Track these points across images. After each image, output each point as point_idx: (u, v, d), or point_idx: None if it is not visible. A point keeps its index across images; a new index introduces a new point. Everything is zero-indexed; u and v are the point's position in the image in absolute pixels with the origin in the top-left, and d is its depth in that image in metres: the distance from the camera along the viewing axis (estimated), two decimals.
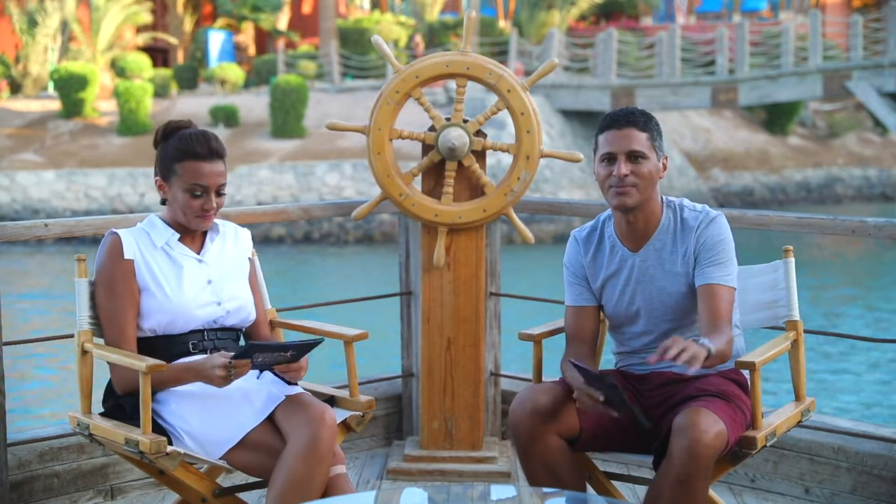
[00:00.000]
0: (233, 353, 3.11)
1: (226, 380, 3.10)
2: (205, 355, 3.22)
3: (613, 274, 3.33)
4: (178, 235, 3.36)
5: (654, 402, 3.28)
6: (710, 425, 2.97)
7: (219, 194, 3.32)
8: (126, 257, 3.29)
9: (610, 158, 3.24)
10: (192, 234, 3.41)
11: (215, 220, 3.47)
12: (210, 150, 3.28)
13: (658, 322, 3.29)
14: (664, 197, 3.33)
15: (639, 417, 3.05)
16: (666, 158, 3.30)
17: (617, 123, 3.24)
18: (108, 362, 3.27)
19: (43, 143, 26.25)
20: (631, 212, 3.26)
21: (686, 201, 3.33)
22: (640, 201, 3.24)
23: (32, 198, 23.74)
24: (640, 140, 3.22)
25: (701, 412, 3.00)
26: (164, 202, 3.37)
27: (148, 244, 3.34)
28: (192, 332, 3.33)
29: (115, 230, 3.34)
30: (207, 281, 3.36)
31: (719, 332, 3.13)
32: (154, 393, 3.20)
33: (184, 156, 3.27)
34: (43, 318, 15.55)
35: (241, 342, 3.49)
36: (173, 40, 35.69)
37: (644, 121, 3.25)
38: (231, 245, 3.48)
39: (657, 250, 3.28)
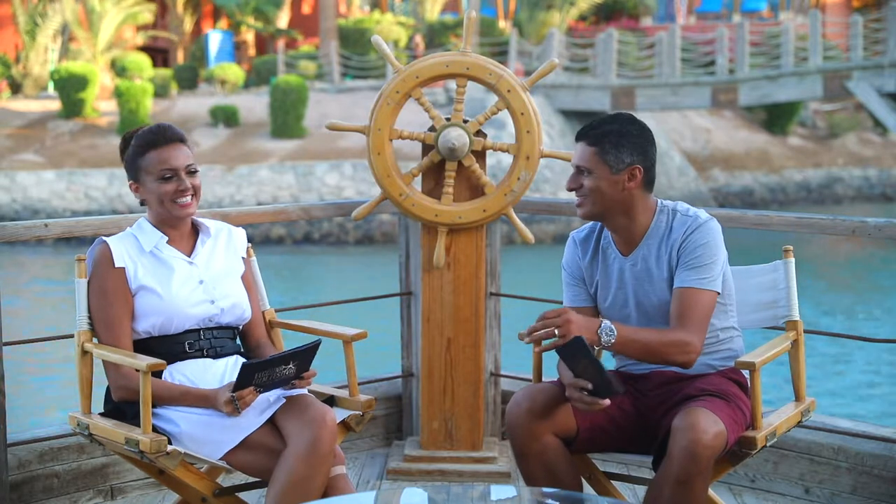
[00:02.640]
0: (234, 383, 3.12)
1: (234, 412, 3.13)
2: (212, 388, 3.21)
3: (607, 276, 3.34)
4: (166, 238, 3.37)
5: (653, 401, 3.28)
6: (709, 425, 2.97)
7: (190, 174, 3.34)
8: (117, 265, 3.30)
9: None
10: (181, 233, 3.41)
11: (207, 223, 3.47)
12: (166, 137, 3.34)
13: (649, 325, 3.28)
14: (660, 201, 3.32)
15: (613, 384, 3.02)
16: (637, 169, 3.21)
17: (577, 136, 3.29)
18: (105, 371, 3.27)
19: (43, 143, 26.25)
20: (603, 220, 3.30)
21: (681, 206, 3.31)
22: (594, 213, 3.27)
23: (32, 198, 23.74)
24: (583, 155, 3.25)
25: (700, 412, 3.00)
26: (142, 203, 3.39)
27: (137, 249, 3.34)
28: (188, 331, 3.33)
29: (104, 238, 3.35)
30: (199, 281, 3.36)
31: (667, 330, 3.15)
32: (154, 405, 3.20)
33: (144, 149, 3.33)
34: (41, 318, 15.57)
35: (238, 342, 3.49)
36: (174, 37, 35.69)
37: (597, 134, 3.23)
38: (223, 246, 3.48)
39: (645, 255, 3.28)
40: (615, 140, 3.23)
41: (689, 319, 3.14)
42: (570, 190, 3.29)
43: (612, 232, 3.32)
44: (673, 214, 3.28)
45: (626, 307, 3.30)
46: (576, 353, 2.99)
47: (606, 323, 3.07)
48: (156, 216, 3.39)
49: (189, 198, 3.34)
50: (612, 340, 3.06)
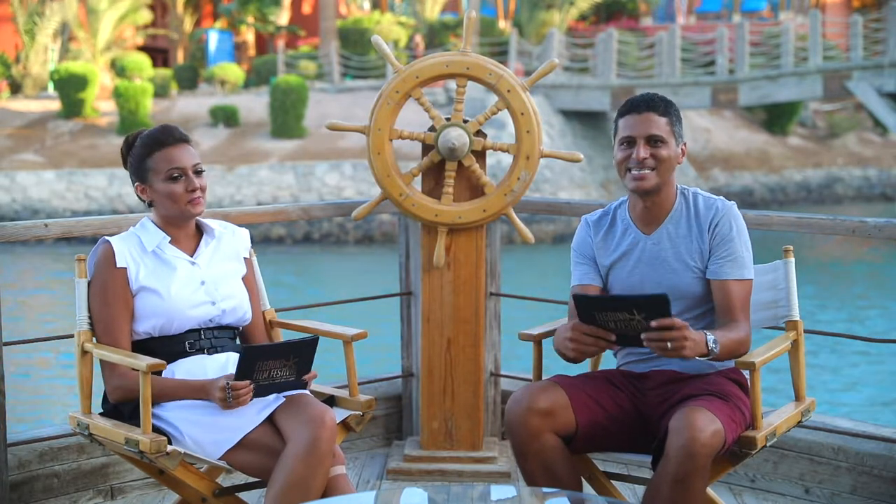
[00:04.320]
0: (236, 370, 3.10)
1: (224, 402, 3.10)
2: (208, 379, 3.21)
3: (624, 255, 3.35)
4: (169, 238, 3.37)
5: (653, 401, 3.28)
6: (706, 424, 2.97)
7: (197, 173, 3.35)
8: (119, 265, 3.29)
9: (629, 142, 3.28)
10: (185, 234, 3.41)
11: (211, 224, 3.47)
12: (174, 137, 3.35)
13: None
14: (678, 185, 3.37)
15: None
16: (685, 144, 3.34)
17: (637, 108, 3.28)
18: (102, 373, 3.27)
19: (43, 143, 26.25)
20: (648, 195, 3.29)
21: (699, 190, 3.37)
22: (658, 185, 3.28)
23: (32, 198, 23.74)
24: (658, 124, 3.26)
25: (697, 411, 3.00)
26: (150, 204, 3.39)
27: (139, 248, 3.34)
28: (189, 331, 3.33)
29: (106, 238, 3.35)
30: (201, 282, 3.36)
31: (731, 327, 3.19)
32: (153, 403, 3.20)
33: (151, 149, 3.33)
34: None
35: (238, 342, 3.49)
36: (175, 36, 35.69)
37: (664, 106, 3.29)
38: (227, 246, 3.47)
39: (670, 233, 3.31)
40: (677, 113, 3.32)
41: (733, 310, 3.22)
42: (641, 159, 3.25)
43: (644, 208, 3.33)
44: (694, 197, 3.35)
45: (641, 286, 3.31)
46: (656, 309, 2.94)
47: (710, 335, 3.08)
48: (164, 216, 3.38)
49: (200, 197, 3.35)
50: (717, 350, 3.09)
